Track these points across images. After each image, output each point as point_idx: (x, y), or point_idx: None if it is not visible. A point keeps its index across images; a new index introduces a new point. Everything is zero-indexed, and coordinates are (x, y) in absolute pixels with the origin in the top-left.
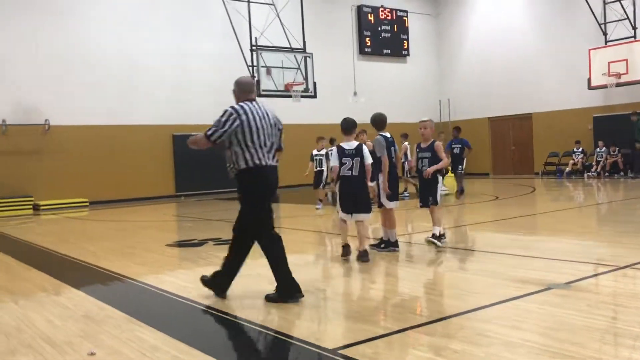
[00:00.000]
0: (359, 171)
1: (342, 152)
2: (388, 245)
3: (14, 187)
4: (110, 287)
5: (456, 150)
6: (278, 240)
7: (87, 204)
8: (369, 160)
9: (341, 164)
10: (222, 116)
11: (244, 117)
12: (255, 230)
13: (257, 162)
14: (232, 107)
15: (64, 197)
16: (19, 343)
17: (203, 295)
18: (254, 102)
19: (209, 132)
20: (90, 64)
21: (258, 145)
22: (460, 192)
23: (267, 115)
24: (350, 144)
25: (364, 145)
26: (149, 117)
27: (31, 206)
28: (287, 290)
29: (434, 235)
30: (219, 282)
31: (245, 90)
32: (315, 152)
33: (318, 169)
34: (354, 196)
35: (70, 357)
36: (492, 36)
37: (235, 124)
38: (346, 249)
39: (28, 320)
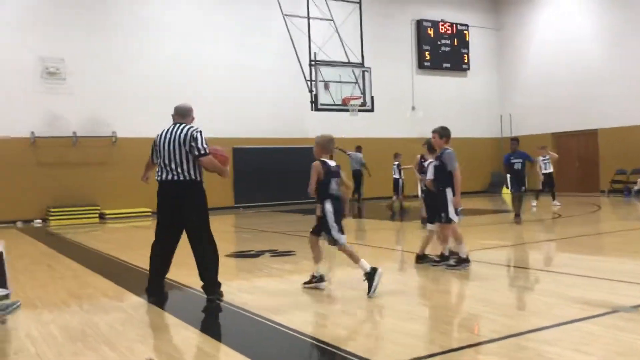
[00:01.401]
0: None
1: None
2: (460, 262)
3: (82, 196)
4: (169, 295)
5: (517, 166)
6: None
7: (150, 213)
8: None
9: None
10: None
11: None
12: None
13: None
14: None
15: (128, 207)
16: (84, 346)
17: (260, 306)
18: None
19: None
20: (154, 78)
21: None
22: (517, 217)
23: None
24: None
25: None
26: (210, 130)
27: (97, 215)
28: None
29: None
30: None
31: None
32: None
33: None
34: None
35: None
36: (557, 48)
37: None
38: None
39: (92, 325)
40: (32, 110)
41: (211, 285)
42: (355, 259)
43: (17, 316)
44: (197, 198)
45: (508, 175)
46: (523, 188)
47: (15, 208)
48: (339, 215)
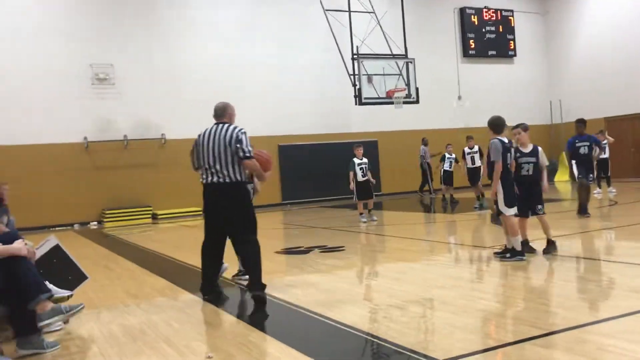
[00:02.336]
0: (534, 171)
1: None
2: (514, 254)
3: (135, 198)
4: (224, 293)
5: (584, 150)
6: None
7: (201, 212)
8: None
9: (519, 165)
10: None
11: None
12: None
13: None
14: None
15: (179, 207)
16: (144, 345)
17: (312, 302)
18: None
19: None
20: (199, 80)
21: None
22: (583, 211)
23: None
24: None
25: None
26: (256, 129)
27: (150, 215)
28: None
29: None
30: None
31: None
32: (357, 160)
33: (363, 178)
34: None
35: (189, 359)
36: (606, 30)
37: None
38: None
39: (151, 324)
40: (84, 116)
41: (255, 284)
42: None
43: (79, 316)
44: (242, 199)
45: (573, 162)
46: (591, 176)
47: (72, 211)
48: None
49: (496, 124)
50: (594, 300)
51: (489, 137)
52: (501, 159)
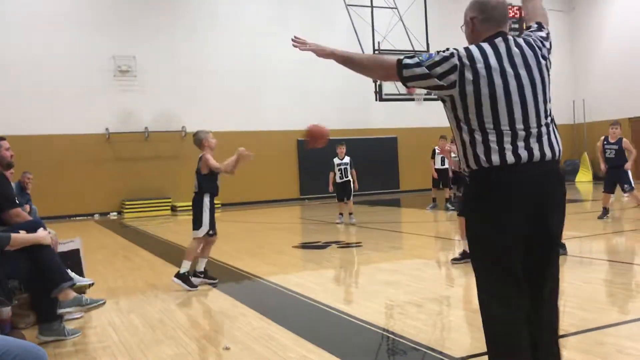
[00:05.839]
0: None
1: None
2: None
3: (155, 189)
4: (242, 285)
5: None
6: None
7: (219, 205)
8: None
9: None
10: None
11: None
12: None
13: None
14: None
15: None
16: (163, 334)
17: (329, 297)
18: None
19: (405, 61)
20: (222, 73)
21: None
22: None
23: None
24: None
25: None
26: (276, 123)
27: (169, 207)
28: None
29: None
30: None
31: (487, 19)
32: (337, 160)
33: (340, 180)
34: None
35: (208, 350)
36: (634, 29)
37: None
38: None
39: (170, 314)
40: (106, 107)
41: None
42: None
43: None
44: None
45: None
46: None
47: (92, 201)
48: None
49: None
50: (614, 303)
51: None
52: None
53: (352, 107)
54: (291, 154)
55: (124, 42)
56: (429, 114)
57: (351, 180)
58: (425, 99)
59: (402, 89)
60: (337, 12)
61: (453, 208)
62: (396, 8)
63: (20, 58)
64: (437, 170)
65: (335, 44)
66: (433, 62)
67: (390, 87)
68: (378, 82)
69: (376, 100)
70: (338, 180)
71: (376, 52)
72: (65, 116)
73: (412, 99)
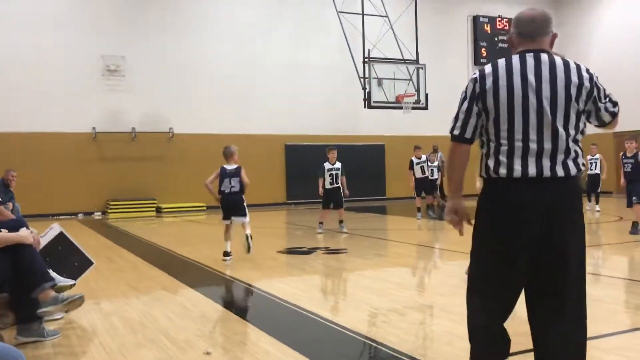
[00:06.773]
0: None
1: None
2: None
3: (140, 190)
4: (225, 289)
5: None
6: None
7: (205, 208)
8: None
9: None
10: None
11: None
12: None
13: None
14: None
15: (183, 201)
16: (144, 337)
17: (312, 304)
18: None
19: (452, 133)
20: (211, 76)
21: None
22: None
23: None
24: None
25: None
26: (264, 127)
27: (154, 208)
28: None
29: None
30: None
31: (520, 33)
32: (328, 165)
33: (331, 186)
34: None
35: (189, 354)
36: (622, 44)
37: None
38: None
39: (151, 317)
40: (93, 107)
41: None
42: None
43: (80, 307)
44: None
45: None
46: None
47: (76, 200)
48: None
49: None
50: (596, 316)
51: None
52: None
53: (341, 113)
54: (279, 158)
55: (113, 42)
56: (417, 123)
57: (341, 187)
58: (413, 108)
59: (391, 97)
60: (328, 19)
61: (435, 216)
62: (387, 16)
63: (8, 56)
64: (418, 179)
65: (324, 49)
66: (460, 106)
67: (379, 94)
68: (367, 89)
69: (365, 107)
70: (328, 186)
71: (366, 59)
72: (51, 114)
73: (401, 107)
